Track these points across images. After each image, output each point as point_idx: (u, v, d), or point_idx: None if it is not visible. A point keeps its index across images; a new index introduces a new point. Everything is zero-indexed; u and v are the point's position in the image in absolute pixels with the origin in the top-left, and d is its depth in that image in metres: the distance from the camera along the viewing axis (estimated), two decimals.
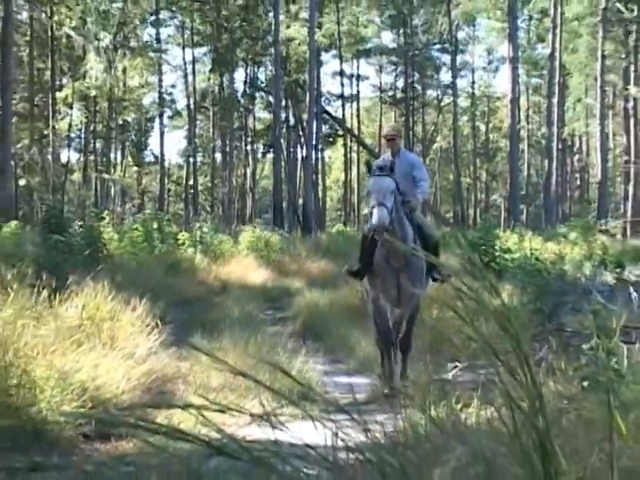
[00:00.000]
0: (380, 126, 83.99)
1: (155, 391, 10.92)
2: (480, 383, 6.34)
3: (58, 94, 66.31)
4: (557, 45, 65.84)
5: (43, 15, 65.54)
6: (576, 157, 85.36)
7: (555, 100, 66.90)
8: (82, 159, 75.05)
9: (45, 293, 11.81)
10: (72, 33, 65.11)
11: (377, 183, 11.10)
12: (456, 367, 8.52)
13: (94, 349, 11.03)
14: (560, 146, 68.64)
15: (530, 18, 78.56)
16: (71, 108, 68.16)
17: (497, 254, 23.24)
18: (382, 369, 11.60)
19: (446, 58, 79.96)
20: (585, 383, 6.00)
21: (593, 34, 66.53)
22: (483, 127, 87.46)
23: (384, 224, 10.59)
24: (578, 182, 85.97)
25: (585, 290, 14.98)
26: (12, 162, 53.77)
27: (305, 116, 64.92)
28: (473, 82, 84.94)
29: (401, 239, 11.07)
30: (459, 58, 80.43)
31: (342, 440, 3.50)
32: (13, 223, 35.18)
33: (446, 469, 2.72)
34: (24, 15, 64.01)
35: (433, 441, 3.91)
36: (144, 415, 3.71)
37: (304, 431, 3.64)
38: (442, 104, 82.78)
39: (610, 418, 3.76)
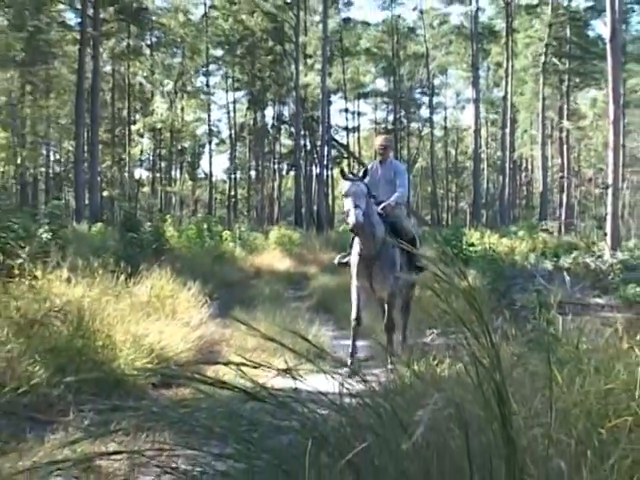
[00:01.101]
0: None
1: (205, 351, 10.93)
2: (451, 345, 6.30)
3: (132, 127, 66.36)
4: (509, 89, 65.79)
5: (122, 68, 65.69)
6: (523, 174, 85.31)
7: (507, 131, 66.82)
8: (150, 176, 75.12)
9: (122, 277, 11.85)
10: (143, 81, 65.35)
11: (352, 188, 10.63)
12: (433, 333, 8.47)
13: (159, 319, 11.05)
14: (511, 166, 68.47)
15: (488, 69, 78.45)
16: (142, 137, 68.18)
17: (464, 247, 23.14)
18: (351, 347, 10.79)
19: (425, 99, 79.85)
20: (530, 345, 5.97)
21: (536, 81, 66.44)
22: (453, 151, 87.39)
23: (360, 222, 10.34)
24: (525, 192, 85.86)
25: (530, 274, 14.92)
26: (98, 178, 53.80)
27: (318, 143, 65.22)
28: (445, 117, 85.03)
29: (371, 234, 10.81)
30: (435, 99, 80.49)
31: (346, 388, 3.47)
32: (99, 224, 35.21)
33: (426, 411, 2.70)
34: (108, 68, 64.06)
35: (416, 389, 3.88)
36: (197, 369, 3.72)
37: (317, 382, 3.63)
38: (422, 134, 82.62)
39: (549, 371, 3.74)
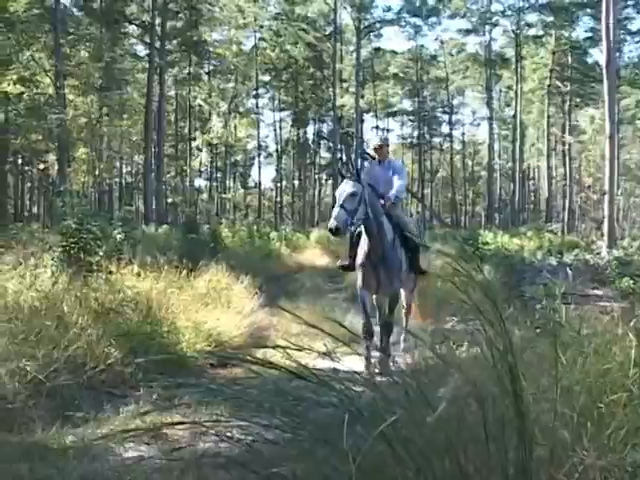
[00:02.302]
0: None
1: (255, 336, 10.92)
2: (469, 331, 6.27)
3: (193, 143, 66.77)
4: (518, 108, 65.57)
5: (184, 92, 66.03)
6: (531, 182, 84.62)
7: (517, 144, 66.58)
8: (208, 184, 75.38)
9: (184, 272, 11.87)
10: (202, 103, 65.42)
11: (340, 188, 8.98)
12: (453, 320, 8.42)
13: (216, 308, 11.07)
14: (521, 175, 68.12)
15: (500, 91, 77.79)
16: (201, 151, 68.40)
17: (479, 246, 23.02)
18: (365, 351, 8.55)
19: (445, 117, 79.61)
20: (538, 330, 5.93)
21: (542, 101, 66.29)
22: (470, 162, 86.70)
23: (338, 223, 8.47)
24: (532, 198, 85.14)
25: (537, 269, 14.84)
26: (163, 187, 54.15)
27: (353, 155, 65.31)
28: (463, 133, 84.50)
29: (378, 237, 9.19)
30: (454, 117, 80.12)
31: (377, 368, 3.46)
32: (164, 226, 35.44)
33: (448, 388, 2.71)
34: (172, 92, 64.45)
35: (438, 369, 3.87)
36: (248, 352, 3.74)
37: (353, 363, 3.62)
38: (443, 147, 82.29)
39: (555, 353, 3.74)
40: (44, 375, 6.71)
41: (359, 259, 9.52)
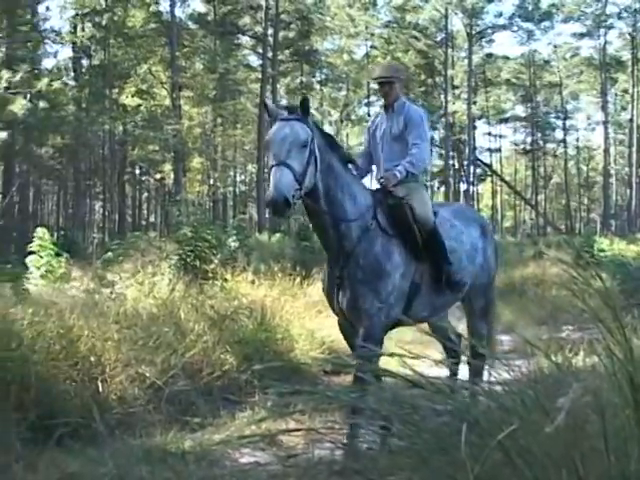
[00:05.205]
0: (515, 170, 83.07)
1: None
2: (585, 339, 6.15)
3: None
4: (635, 112, 64.01)
5: (296, 101, 66.73)
6: None
7: (634, 149, 64.83)
8: None
9: (298, 279, 11.95)
10: (314, 112, 65.91)
11: (279, 132, 5.28)
12: (569, 329, 8.26)
13: (330, 316, 11.11)
14: (637, 180, 66.28)
15: (616, 95, 75.97)
16: None
17: (595, 252, 22.55)
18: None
19: (559, 122, 78.09)
20: None
21: None
22: (585, 168, 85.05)
23: (284, 193, 4.95)
24: None
25: None
26: None
27: (465, 162, 64.96)
28: (577, 138, 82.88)
29: (332, 222, 5.59)
30: (568, 122, 78.51)
31: (494, 377, 3.44)
32: (278, 235, 35.75)
33: (567, 398, 2.66)
34: (284, 101, 65.01)
35: (555, 378, 3.81)
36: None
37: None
38: (556, 153, 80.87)
39: None
40: (162, 381, 6.88)
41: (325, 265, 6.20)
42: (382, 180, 6.11)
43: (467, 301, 6.89)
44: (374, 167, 6.60)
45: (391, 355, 3.31)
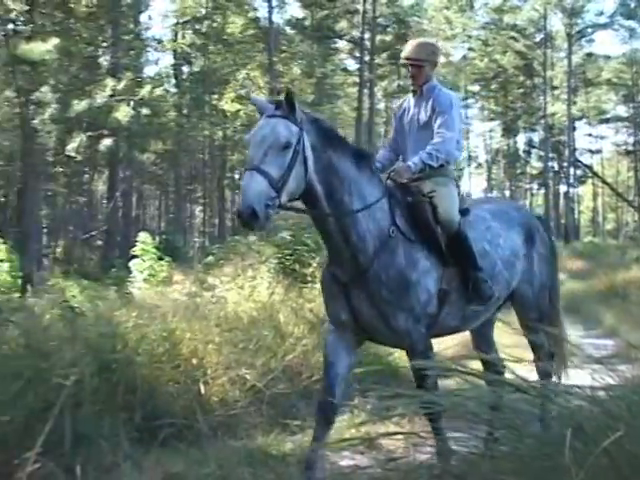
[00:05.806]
0: (617, 171, 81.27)
1: (467, 348, 10.85)
2: None
3: None
4: None
5: (394, 105, 66.68)
6: None
7: None
8: None
9: None
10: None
11: (259, 132, 4.67)
12: None
13: None
14: None
15: None
16: None
17: None
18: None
19: None
20: None
21: None
22: None
23: (249, 207, 4.33)
24: None
25: None
26: None
27: (564, 164, 63.99)
28: None
29: (342, 235, 4.92)
30: None
31: (598, 382, 3.38)
32: None
33: None
34: (381, 105, 65.16)
35: None
36: (462, 363, 3.71)
37: (571, 375, 3.55)
38: None
39: None
40: (263, 383, 6.96)
41: (323, 276, 5.53)
42: (393, 174, 5.40)
43: (517, 313, 6.32)
44: (400, 158, 5.89)
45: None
